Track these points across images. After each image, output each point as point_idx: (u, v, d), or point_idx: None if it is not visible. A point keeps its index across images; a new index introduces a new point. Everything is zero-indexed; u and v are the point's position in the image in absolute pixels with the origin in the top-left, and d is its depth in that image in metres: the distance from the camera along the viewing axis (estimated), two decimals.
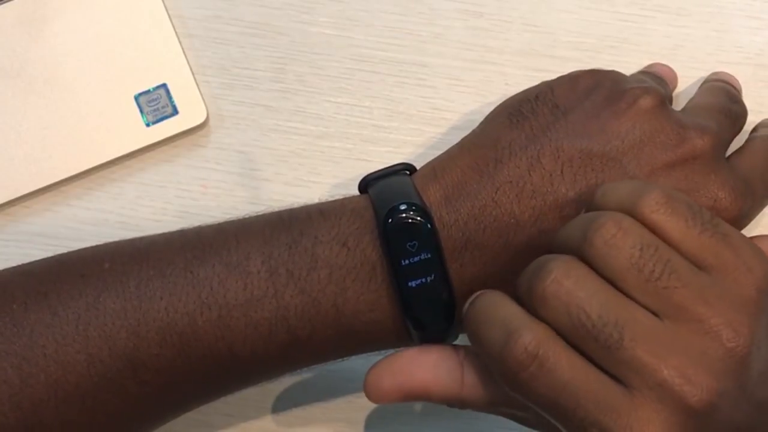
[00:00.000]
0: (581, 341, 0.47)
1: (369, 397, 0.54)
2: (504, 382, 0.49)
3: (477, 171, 0.54)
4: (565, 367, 0.47)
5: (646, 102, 0.55)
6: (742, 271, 0.48)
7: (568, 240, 0.49)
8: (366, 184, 0.56)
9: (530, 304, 0.48)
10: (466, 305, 0.51)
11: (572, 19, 0.67)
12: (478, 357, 0.53)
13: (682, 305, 0.47)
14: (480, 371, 0.53)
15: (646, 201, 0.48)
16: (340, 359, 0.56)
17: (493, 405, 0.53)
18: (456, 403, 0.53)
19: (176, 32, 0.67)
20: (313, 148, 0.67)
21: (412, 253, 0.52)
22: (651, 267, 0.47)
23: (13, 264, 0.58)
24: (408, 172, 0.56)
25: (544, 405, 0.48)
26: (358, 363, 0.58)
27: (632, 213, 0.48)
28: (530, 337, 0.47)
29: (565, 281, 0.47)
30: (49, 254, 0.63)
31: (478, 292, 0.51)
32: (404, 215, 0.53)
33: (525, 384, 0.47)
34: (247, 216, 0.56)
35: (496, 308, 0.49)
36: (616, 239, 0.47)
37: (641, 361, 0.46)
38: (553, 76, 0.66)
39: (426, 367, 0.53)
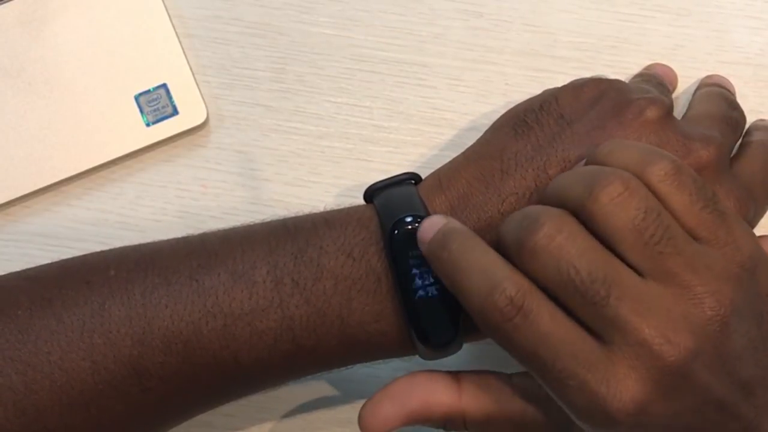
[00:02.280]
0: (567, 296, 0.48)
1: (367, 428, 0.54)
2: (485, 331, 0.49)
3: (483, 182, 0.55)
4: (547, 320, 0.48)
5: (652, 113, 0.55)
6: (732, 248, 0.50)
7: (568, 192, 0.50)
8: (371, 193, 0.56)
9: (518, 255, 0.49)
10: (430, 235, 0.51)
11: (572, 19, 0.67)
12: (473, 372, 0.54)
13: (672, 271, 0.48)
14: (477, 382, 0.53)
15: (655, 169, 0.49)
16: (344, 368, 0.56)
17: (494, 417, 0.53)
18: (457, 417, 0.53)
19: (176, 32, 0.67)
20: (313, 148, 0.67)
21: (418, 265, 0.52)
22: (652, 231, 0.48)
23: (13, 264, 0.59)
24: (413, 182, 0.56)
25: (523, 356, 0.49)
26: (360, 365, 0.58)
27: (639, 177, 0.49)
28: (515, 288, 0.48)
29: (557, 236, 0.48)
30: (49, 254, 0.64)
31: (443, 223, 0.51)
32: (410, 227, 0.53)
33: (507, 334, 0.48)
34: (251, 223, 0.56)
35: (476, 256, 0.50)
36: (622, 198, 0.48)
37: (624, 319, 0.47)
38: (553, 76, 0.66)
39: (423, 385, 0.54)
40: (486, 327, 0.49)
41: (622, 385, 0.47)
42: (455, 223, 0.51)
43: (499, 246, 0.50)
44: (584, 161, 0.52)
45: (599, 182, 0.48)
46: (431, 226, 0.51)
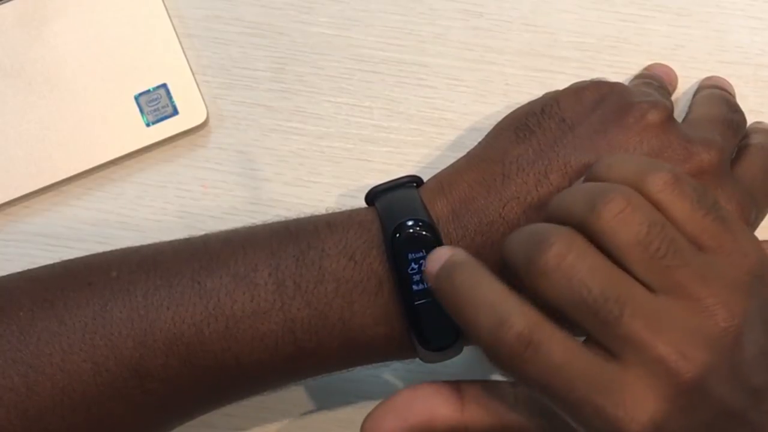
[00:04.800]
0: (579, 316, 0.47)
1: None
2: (496, 366, 0.49)
3: (484, 186, 0.55)
4: (559, 351, 0.47)
5: (653, 117, 0.55)
6: (738, 255, 0.49)
7: (571, 209, 0.49)
8: (373, 196, 0.56)
9: (527, 275, 0.48)
10: (436, 268, 0.50)
11: (572, 19, 0.67)
12: (475, 383, 0.54)
13: (681, 283, 0.47)
14: (479, 394, 0.53)
15: (654, 179, 0.49)
16: (345, 370, 0.56)
17: (497, 431, 0.53)
18: (460, 431, 0.53)
19: (176, 32, 0.67)
20: (313, 148, 0.67)
21: (419, 268, 0.52)
22: (657, 245, 0.47)
23: (14, 264, 0.59)
24: (415, 185, 0.56)
25: (538, 387, 0.48)
26: None
27: (639, 189, 0.49)
28: (523, 323, 0.47)
29: (567, 255, 0.47)
30: (50, 254, 0.63)
31: (450, 254, 0.50)
32: (411, 230, 0.53)
33: (518, 368, 0.47)
34: (253, 225, 0.56)
35: (482, 289, 0.49)
36: (625, 214, 0.48)
37: (638, 337, 0.46)
38: (554, 76, 0.66)
39: (425, 398, 0.54)
40: (496, 362, 0.48)
41: (639, 406, 0.46)
42: (461, 255, 0.50)
43: (505, 266, 0.50)
44: (584, 177, 0.52)
45: (601, 199, 0.48)
46: (437, 259, 0.51)
